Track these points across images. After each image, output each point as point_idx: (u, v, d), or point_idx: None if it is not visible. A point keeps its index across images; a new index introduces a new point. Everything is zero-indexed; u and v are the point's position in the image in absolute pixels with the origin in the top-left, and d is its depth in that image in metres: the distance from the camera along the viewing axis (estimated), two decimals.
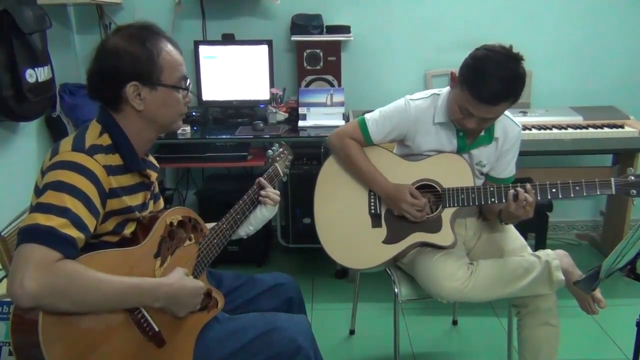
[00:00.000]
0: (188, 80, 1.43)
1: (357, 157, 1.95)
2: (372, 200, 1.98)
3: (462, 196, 1.85)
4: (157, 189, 1.57)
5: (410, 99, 1.94)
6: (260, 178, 1.75)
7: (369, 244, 1.95)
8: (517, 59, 1.70)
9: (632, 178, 1.68)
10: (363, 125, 1.96)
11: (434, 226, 1.88)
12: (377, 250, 1.93)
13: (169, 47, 1.38)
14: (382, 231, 1.95)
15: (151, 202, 1.51)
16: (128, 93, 1.34)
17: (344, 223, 1.99)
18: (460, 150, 1.91)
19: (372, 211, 1.97)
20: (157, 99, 1.37)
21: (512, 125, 1.93)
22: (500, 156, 1.94)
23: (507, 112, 1.92)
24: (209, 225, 1.60)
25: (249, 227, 1.73)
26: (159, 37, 1.37)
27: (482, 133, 1.89)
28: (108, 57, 1.34)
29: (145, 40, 1.34)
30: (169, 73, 1.37)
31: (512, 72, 1.68)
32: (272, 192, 1.73)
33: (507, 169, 1.96)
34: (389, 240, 1.93)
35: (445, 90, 1.90)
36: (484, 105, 1.70)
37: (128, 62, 1.32)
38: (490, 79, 1.66)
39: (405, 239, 1.91)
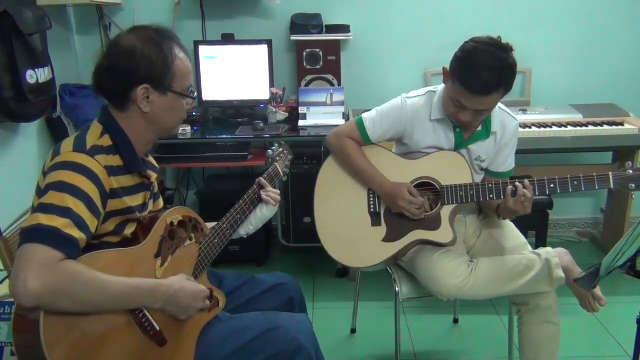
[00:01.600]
0: (192, 89, 1.44)
1: (355, 156, 1.96)
2: (372, 199, 1.98)
3: (461, 193, 1.86)
4: (156, 189, 1.57)
5: (407, 97, 1.95)
6: (261, 178, 1.76)
7: (369, 243, 1.95)
8: (506, 49, 1.70)
9: (631, 172, 1.68)
10: (361, 124, 1.97)
11: (433, 224, 1.89)
12: (377, 249, 1.93)
13: (182, 55, 1.40)
14: (382, 230, 1.95)
15: (151, 202, 1.51)
16: (138, 94, 1.34)
17: (343, 222, 1.99)
18: (458, 146, 1.92)
19: (372, 210, 1.98)
20: (165, 104, 1.38)
21: (510, 119, 1.93)
22: (499, 150, 1.94)
23: (504, 107, 1.93)
24: (210, 225, 1.61)
25: (249, 226, 1.73)
26: (174, 44, 1.38)
27: (479, 128, 1.90)
28: (123, 56, 1.34)
29: (162, 45, 1.35)
30: (179, 81, 1.38)
31: (501, 62, 1.68)
32: (272, 192, 1.74)
33: (506, 163, 1.97)
34: (389, 238, 1.93)
35: (440, 87, 1.91)
36: (475, 97, 1.70)
37: (143, 64, 1.33)
38: (480, 70, 1.67)
39: (404, 237, 1.91)
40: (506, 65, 1.69)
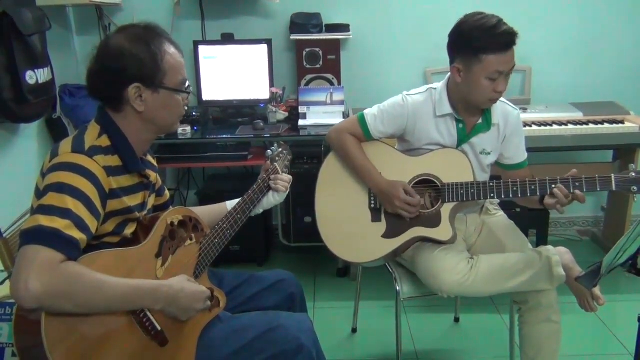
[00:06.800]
0: (187, 83, 1.43)
1: (354, 153, 1.96)
2: (372, 195, 1.98)
3: (462, 191, 1.86)
4: (160, 183, 1.58)
5: (407, 94, 1.96)
6: (268, 162, 1.79)
7: (369, 238, 1.95)
8: (482, 13, 1.83)
9: (633, 174, 1.67)
10: (362, 121, 1.97)
11: (433, 221, 1.89)
12: (376, 245, 1.94)
13: (172, 49, 1.39)
14: (382, 225, 1.95)
15: (150, 199, 1.51)
16: (130, 94, 1.34)
17: (344, 217, 1.99)
18: (460, 141, 1.92)
19: (372, 206, 1.98)
20: (159, 102, 1.37)
21: (510, 109, 1.95)
22: (506, 142, 1.95)
23: (503, 99, 1.94)
24: (231, 203, 1.65)
25: (260, 209, 1.75)
26: (163, 39, 1.37)
27: (480, 121, 1.90)
28: (111, 57, 1.33)
29: (150, 42, 1.34)
30: (171, 76, 1.37)
31: (495, 17, 1.80)
32: (281, 180, 1.75)
33: (518, 153, 1.99)
34: (388, 234, 1.94)
35: (441, 84, 1.92)
36: (508, 52, 1.75)
37: (132, 63, 1.32)
38: (493, 28, 1.75)
39: (404, 233, 1.91)
40: (499, 18, 1.78)
